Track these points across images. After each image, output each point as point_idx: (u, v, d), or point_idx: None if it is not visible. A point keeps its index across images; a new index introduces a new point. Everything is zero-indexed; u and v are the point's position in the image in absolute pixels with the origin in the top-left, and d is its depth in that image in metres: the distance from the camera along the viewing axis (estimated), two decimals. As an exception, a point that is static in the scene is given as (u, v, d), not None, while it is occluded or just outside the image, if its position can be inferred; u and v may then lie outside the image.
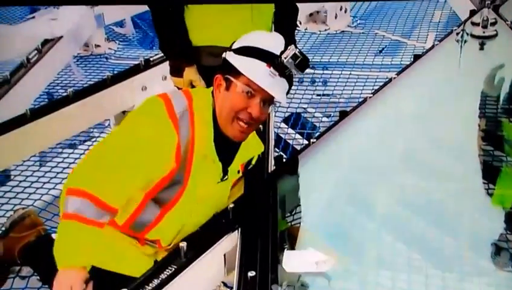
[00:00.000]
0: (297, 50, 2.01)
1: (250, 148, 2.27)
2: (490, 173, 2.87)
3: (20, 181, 3.48)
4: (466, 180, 2.86)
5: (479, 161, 2.97)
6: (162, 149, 1.99)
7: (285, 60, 1.98)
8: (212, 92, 2.14)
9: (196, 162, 2.07)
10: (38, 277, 2.47)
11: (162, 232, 2.21)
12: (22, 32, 5.09)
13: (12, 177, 3.56)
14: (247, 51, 2.05)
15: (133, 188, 2.01)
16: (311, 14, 5.50)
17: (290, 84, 2.11)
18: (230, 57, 2.07)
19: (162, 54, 3.54)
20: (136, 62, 3.89)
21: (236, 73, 2.03)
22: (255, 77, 2.01)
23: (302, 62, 2.01)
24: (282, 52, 2.00)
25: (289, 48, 2.01)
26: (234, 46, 2.09)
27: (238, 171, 2.26)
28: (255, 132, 2.25)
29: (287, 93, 2.12)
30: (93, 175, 1.92)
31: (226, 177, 2.18)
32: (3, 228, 2.55)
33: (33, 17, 5.83)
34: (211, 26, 2.55)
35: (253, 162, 2.35)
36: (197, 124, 2.05)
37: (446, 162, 2.95)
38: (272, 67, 2.00)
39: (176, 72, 2.56)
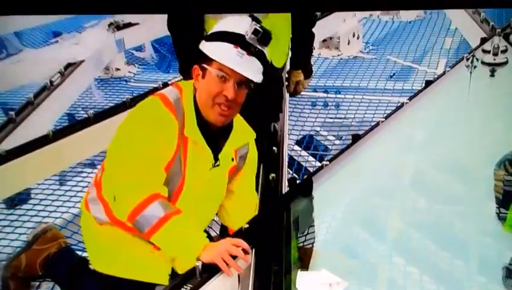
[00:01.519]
0: (258, 25, 2.05)
1: (241, 135, 2.27)
2: (505, 198, 2.83)
3: (41, 199, 3.50)
4: (476, 204, 2.85)
5: (495, 187, 2.92)
6: (168, 136, 2.05)
7: (247, 37, 2.02)
8: (194, 85, 2.16)
9: (189, 149, 2.11)
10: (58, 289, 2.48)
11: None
12: (46, 55, 5.14)
13: (33, 195, 3.58)
14: (215, 36, 2.09)
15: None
16: (324, 40, 5.52)
17: (264, 63, 2.12)
18: (203, 45, 2.11)
19: (181, 77, 3.57)
20: (155, 85, 3.91)
21: (209, 60, 2.06)
22: (223, 59, 2.04)
23: (264, 36, 2.05)
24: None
25: (249, 24, 2.05)
26: (206, 39, 2.13)
27: (232, 159, 2.26)
28: (244, 120, 2.30)
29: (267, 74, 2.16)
30: (139, 179, 1.99)
31: (218, 163, 2.18)
32: (26, 242, 2.56)
33: (56, 42, 5.90)
34: None
35: (249, 153, 2.33)
36: (185, 110, 2.09)
37: (456, 186, 2.94)
38: (239, 48, 2.03)
39: None
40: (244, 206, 2.37)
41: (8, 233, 3.15)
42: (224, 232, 2.97)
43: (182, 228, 2.01)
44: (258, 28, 2.04)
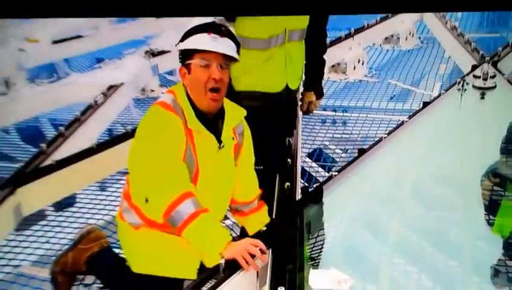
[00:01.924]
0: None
1: (234, 115, 2.27)
2: (492, 205, 2.84)
3: (86, 203, 3.52)
4: (469, 211, 2.84)
5: (483, 195, 2.93)
6: (176, 132, 2.06)
7: (217, 21, 2.10)
8: (183, 84, 2.17)
9: (195, 138, 2.11)
10: (99, 284, 2.48)
11: None
12: (90, 79, 5.20)
13: (79, 199, 3.60)
14: (189, 33, 2.10)
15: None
16: (333, 66, 5.52)
17: (236, 43, 2.13)
18: (179, 46, 2.13)
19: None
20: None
21: (190, 56, 2.09)
22: (202, 45, 2.06)
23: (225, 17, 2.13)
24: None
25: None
26: (181, 40, 2.14)
27: (233, 138, 2.26)
28: (233, 103, 2.30)
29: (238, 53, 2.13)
30: (167, 178, 2.00)
31: (222, 144, 2.18)
32: (72, 241, 2.58)
33: (100, 67, 5.98)
34: (250, 75, 2.55)
35: (245, 131, 2.35)
36: (183, 107, 2.10)
37: (451, 195, 2.93)
38: (211, 33, 2.06)
39: None
40: (249, 179, 2.37)
41: (57, 232, 3.17)
42: (244, 233, 2.97)
43: (209, 224, 2.01)
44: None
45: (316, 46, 2.76)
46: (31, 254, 2.91)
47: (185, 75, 2.14)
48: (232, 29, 2.17)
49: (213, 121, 2.16)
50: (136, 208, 2.22)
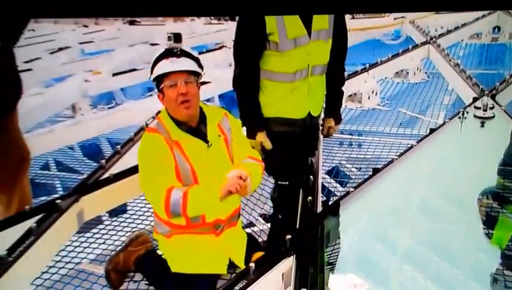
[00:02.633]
0: (169, 33, 2.18)
1: (213, 114, 2.32)
2: (490, 220, 2.79)
3: (136, 211, 3.55)
4: (470, 225, 2.79)
5: (480, 211, 2.89)
6: (160, 147, 2.15)
7: (168, 46, 2.18)
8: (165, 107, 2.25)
9: (184, 146, 2.18)
10: (146, 281, 2.49)
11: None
12: (143, 105, 5.28)
13: (130, 207, 3.63)
14: (154, 64, 2.20)
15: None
16: (350, 95, 5.51)
17: (194, 58, 2.22)
18: (151, 77, 2.22)
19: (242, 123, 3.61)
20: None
21: (160, 82, 2.17)
22: (163, 69, 2.15)
23: (176, 36, 2.17)
24: None
25: (165, 40, 2.21)
26: (150, 75, 2.24)
27: (219, 135, 2.29)
28: (209, 105, 2.39)
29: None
30: (158, 187, 2.11)
31: (210, 144, 2.22)
32: (124, 244, 2.60)
33: (151, 95, 6.10)
34: (277, 103, 2.55)
35: (231, 123, 2.38)
36: (166, 125, 2.19)
37: (454, 211, 2.90)
38: (169, 58, 2.16)
39: (251, 135, 2.59)
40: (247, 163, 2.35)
41: (112, 235, 3.20)
42: (271, 238, 2.95)
43: (198, 191, 2.11)
44: (169, 35, 2.19)
45: (335, 79, 2.74)
46: (90, 253, 2.93)
47: (162, 99, 2.21)
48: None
49: (197, 127, 2.23)
50: (160, 219, 2.27)
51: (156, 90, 2.25)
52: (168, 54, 2.18)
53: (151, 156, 2.16)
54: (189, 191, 2.08)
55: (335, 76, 2.72)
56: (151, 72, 2.22)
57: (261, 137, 2.58)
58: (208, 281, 2.27)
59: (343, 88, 2.85)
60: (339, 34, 2.58)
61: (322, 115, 2.94)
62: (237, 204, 2.42)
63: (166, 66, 2.16)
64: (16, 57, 2.77)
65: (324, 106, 2.85)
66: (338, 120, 2.89)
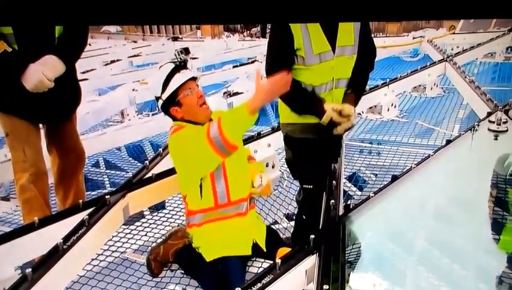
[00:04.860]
0: (178, 50, 2.22)
1: (216, 114, 2.40)
2: (497, 226, 2.74)
3: (174, 207, 3.59)
4: (479, 229, 2.72)
5: (489, 216, 2.85)
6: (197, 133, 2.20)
7: (179, 58, 2.29)
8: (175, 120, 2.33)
9: None
10: (182, 271, 2.51)
11: (232, 186, 2.33)
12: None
13: (168, 205, 3.68)
14: (166, 83, 2.22)
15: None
16: (370, 107, 5.44)
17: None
18: (166, 93, 2.24)
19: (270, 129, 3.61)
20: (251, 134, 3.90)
21: (175, 95, 2.22)
22: (180, 81, 2.20)
23: (186, 51, 2.21)
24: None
25: (175, 54, 2.24)
26: (163, 92, 2.27)
27: None
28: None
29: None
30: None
31: None
32: (164, 237, 2.63)
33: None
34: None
35: None
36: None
37: (466, 217, 2.82)
38: (179, 71, 2.23)
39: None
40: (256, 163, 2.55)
41: (153, 229, 3.25)
42: (295, 237, 2.93)
43: (229, 111, 2.24)
44: (180, 49, 2.26)
45: (358, 80, 2.61)
46: (133, 243, 2.99)
47: (178, 110, 2.25)
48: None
49: None
50: (193, 210, 2.36)
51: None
52: (175, 69, 2.23)
53: (189, 135, 2.21)
54: (221, 115, 2.14)
55: (359, 80, 2.61)
56: (164, 89, 2.23)
57: (329, 110, 2.42)
58: (239, 261, 2.33)
59: (364, 100, 2.77)
60: (366, 48, 2.52)
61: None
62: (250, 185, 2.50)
63: (181, 77, 2.21)
64: (75, 69, 2.85)
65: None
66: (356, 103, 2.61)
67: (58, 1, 0.58)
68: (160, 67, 2.33)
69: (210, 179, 2.28)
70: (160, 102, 2.27)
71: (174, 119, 2.32)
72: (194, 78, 2.26)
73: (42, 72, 2.41)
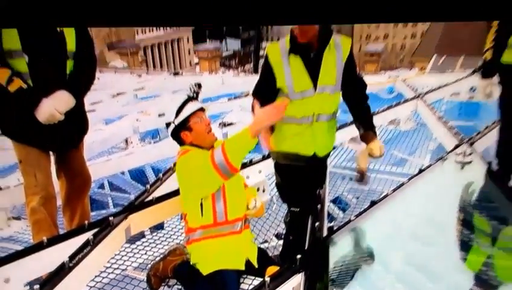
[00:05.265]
0: (191, 84, 2.29)
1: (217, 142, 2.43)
2: (465, 247, 2.74)
3: (172, 228, 3.56)
4: (451, 250, 2.73)
5: (458, 238, 2.85)
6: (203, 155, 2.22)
7: (193, 91, 2.36)
8: (183, 145, 2.36)
9: None
10: (179, 287, 2.48)
11: (229, 206, 2.33)
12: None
13: (166, 225, 3.64)
14: (179, 110, 2.29)
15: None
16: (352, 138, 5.43)
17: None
18: (179, 119, 2.30)
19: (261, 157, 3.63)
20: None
21: (186, 122, 2.28)
22: (191, 109, 2.26)
23: (199, 85, 2.29)
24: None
25: (190, 87, 2.31)
26: (173, 120, 2.32)
27: None
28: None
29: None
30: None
31: None
32: (163, 254, 2.61)
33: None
34: (286, 141, 2.52)
35: None
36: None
37: (439, 238, 2.83)
38: (192, 101, 2.30)
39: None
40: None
41: (151, 248, 3.20)
42: (283, 255, 2.91)
43: (232, 137, 2.15)
44: (195, 84, 2.34)
45: (360, 111, 2.56)
46: (134, 261, 2.94)
47: (187, 135, 2.30)
48: None
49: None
50: (193, 228, 2.33)
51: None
52: (188, 99, 2.29)
53: (195, 158, 2.23)
54: (224, 141, 2.15)
55: (361, 113, 2.55)
56: (177, 115, 2.30)
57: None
58: (235, 274, 2.31)
59: (373, 121, 2.59)
60: (354, 81, 2.47)
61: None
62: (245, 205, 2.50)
63: (193, 106, 2.27)
64: (83, 101, 2.87)
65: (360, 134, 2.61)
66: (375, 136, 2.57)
67: (59, 3, 0.56)
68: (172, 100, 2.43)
69: (211, 199, 2.30)
70: (172, 126, 2.31)
71: (181, 143, 2.36)
72: (202, 109, 2.32)
73: (54, 107, 2.43)
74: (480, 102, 4.45)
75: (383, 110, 5.64)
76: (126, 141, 5.85)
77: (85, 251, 2.30)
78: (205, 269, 2.30)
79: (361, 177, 2.64)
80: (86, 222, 2.60)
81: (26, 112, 2.44)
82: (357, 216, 2.64)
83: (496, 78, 3.41)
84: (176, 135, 2.35)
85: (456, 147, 3.75)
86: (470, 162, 3.51)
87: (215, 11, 0.57)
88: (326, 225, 2.68)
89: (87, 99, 2.97)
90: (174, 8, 0.57)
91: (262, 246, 3.40)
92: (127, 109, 7.38)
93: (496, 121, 3.86)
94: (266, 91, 2.45)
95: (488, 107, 3.90)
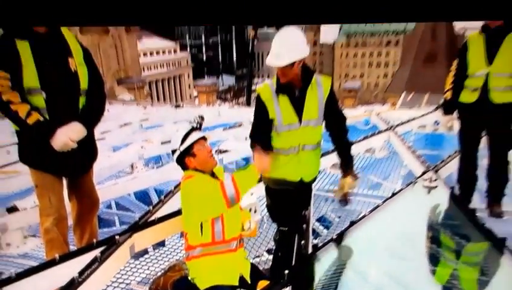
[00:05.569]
0: (195, 116, 2.31)
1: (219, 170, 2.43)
2: (433, 260, 2.76)
3: (172, 245, 3.53)
4: (422, 263, 2.74)
5: (427, 253, 2.88)
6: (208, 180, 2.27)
7: (197, 122, 2.38)
8: (187, 170, 2.33)
9: None
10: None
11: (226, 227, 2.30)
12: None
13: (167, 243, 3.60)
14: (185, 138, 2.30)
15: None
16: (333, 164, 5.42)
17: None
18: (184, 145, 2.30)
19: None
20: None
21: (190, 148, 2.28)
22: (196, 137, 2.29)
23: (202, 117, 2.30)
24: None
25: (195, 119, 2.33)
26: (179, 147, 2.31)
27: None
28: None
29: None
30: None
31: None
32: (163, 270, 2.57)
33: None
34: (277, 169, 2.53)
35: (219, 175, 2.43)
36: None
37: (411, 253, 2.84)
38: (196, 130, 2.32)
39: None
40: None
41: (154, 263, 3.17)
42: (273, 270, 2.88)
43: (240, 172, 2.20)
44: (199, 116, 2.36)
45: (341, 146, 2.59)
46: (138, 276, 2.90)
47: (191, 161, 2.30)
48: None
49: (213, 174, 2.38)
50: (193, 245, 2.29)
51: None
52: (192, 129, 2.34)
53: (202, 183, 2.23)
54: (233, 175, 2.17)
55: (341, 144, 2.60)
56: (182, 143, 2.32)
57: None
58: (229, 289, 2.28)
59: (352, 153, 2.62)
60: (335, 116, 2.51)
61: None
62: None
63: (197, 135, 2.29)
64: (94, 131, 2.88)
65: (340, 169, 2.66)
66: (355, 177, 2.62)
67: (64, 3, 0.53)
68: (177, 131, 2.46)
69: (210, 220, 2.29)
70: (177, 153, 2.32)
71: (185, 168, 2.38)
72: (205, 138, 2.35)
73: (67, 136, 2.45)
74: (443, 134, 4.55)
75: (360, 140, 5.73)
76: (132, 166, 5.84)
77: (93, 267, 2.28)
78: (202, 284, 2.27)
79: (344, 201, 2.66)
80: (94, 240, 2.57)
81: (42, 142, 2.45)
82: (338, 235, 2.65)
83: (455, 114, 3.53)
84: (181, 161, 2.36)
85: (424, 173, 3.81)
86: (436, 187, 3.56)
87: (214, 11, 0.54)
88: (312, 242, 2.68)
89: (97, 129, 2.99)
90: (174, 9, 0.54)
91: (255, 260, 3.38)
92: (133, 138, 7.39)
93: (456, 151, 3.94)
94: (262, 124, 2.47)
95: (450, 138, 3.99)
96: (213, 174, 2.35)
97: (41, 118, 2.39)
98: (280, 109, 2.39)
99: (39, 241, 3.60)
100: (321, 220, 4.57)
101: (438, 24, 45.53)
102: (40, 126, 2.39)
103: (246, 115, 9.16)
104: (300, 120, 2.41)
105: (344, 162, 2.61)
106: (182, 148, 2.30)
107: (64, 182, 2.83)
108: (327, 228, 4.41)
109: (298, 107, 2.40)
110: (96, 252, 2.42)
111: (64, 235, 2.72)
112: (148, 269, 3.04)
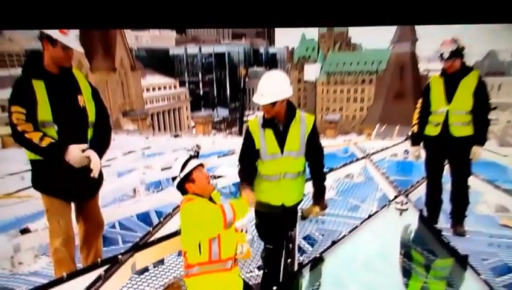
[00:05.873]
0: (193, 145, 2.30)
1: (216, 194, 2.38)
2: (406, 274, 2.78)
3: (171, 263, 3.45)
4: (395, 277, 2.77)
5: (400, 267, 2.88)
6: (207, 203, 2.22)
7: (194, 151, 2.22)
8: (186, 193, 2.26)
9: None
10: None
11: (223, 247, 2.25)
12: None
13: (166, 261, 3.53)
14: (184, 165, 2.25)
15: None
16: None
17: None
18: (184, 172, 2.24)
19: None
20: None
21: (190, 174, 2.23)
22: (195, 164, 2.25)
23: (197, 147, 2.28)
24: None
25: (193, 148, 2.31)
26: (179, 174, 2.25)
27: None
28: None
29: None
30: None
31: None
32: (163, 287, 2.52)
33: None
34: (262, 192, 2.57)
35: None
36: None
37: (386, 268, 2.85)
38: (194, 158, 2.27)
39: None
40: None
41: (153, 280, 3.09)
42: (263, 286, 2.84)
43: (237, 202, 2.18)
44: (198, 145, 2.36)
45: (316, 178, 2.64)
46: (138, 293, 2.83)
47: (191, 186, 2.26)
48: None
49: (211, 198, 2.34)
50: (192, 264, 2.24)
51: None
52: (190, 157, 2.32)
53: (203, 206, 2.19)
54: (232, 203, 2.16)
55: (316, 175, 2.62)
56: (182, 170, 2.28)
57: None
58: None
59: (324, 184, 2.66)
60: (314, 150, 2.55)
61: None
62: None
63: (195, 162, 2.29)
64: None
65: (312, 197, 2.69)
66: (323, 207, 2.67)
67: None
68: (176, 159, 2.43)
69: (207, 240, 2.26)
70: (178, 179, 2.32)
71: (184, 193, 2.37)
72: (202, 165, 2.36)
73: (80, 148, 2.43)
74: (412, 162, 4.66)
75: (340, 167, 5.80)
76: (134, 190, 5.77)
77: (97, 284, 2.23)
78: None
79: (305, 218, 2.72)
80: (99, 259, 2.52)
81: (56, 165, 2.42)
82: (321, 253, 2.65)
83: (422, 145, 3.63)
84: (181, 187, 2.36)
85: (396, 197, 3.87)
86: (407, 209, 3.60)
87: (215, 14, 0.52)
88: (297, 260, 2.67)
89: (104, 157, 2.98)
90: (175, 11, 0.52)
91: (247, 275, 3.33)
92: (136, 164, 7.33)
93: (423, 177, 4.02)
94: (248, 151, 2.54)
95: (418, 166, 4.08)
96: (211, 199, 2.35)
97: (53, 140, 2.39)
98: (265, 140, 2.46)
99: (49, 260, 3.50)
100: (306, 238, 4.55)
101: (405, 66, 47.12)
102: (52, 147, 2.38)
103: (238, 143, 9.18)
104: (282, 151, 2.46)
105: (317, 192, 2.65)
106: (182, 174, 2.30)
107: (72, 205, 2.80)
108: (312, 245, 4.38)
109: (281, 139, 2.46)
110: (100, 271, 2.37)
111: (71, 254, 2.66)
112: (148, 285, 2.97)
